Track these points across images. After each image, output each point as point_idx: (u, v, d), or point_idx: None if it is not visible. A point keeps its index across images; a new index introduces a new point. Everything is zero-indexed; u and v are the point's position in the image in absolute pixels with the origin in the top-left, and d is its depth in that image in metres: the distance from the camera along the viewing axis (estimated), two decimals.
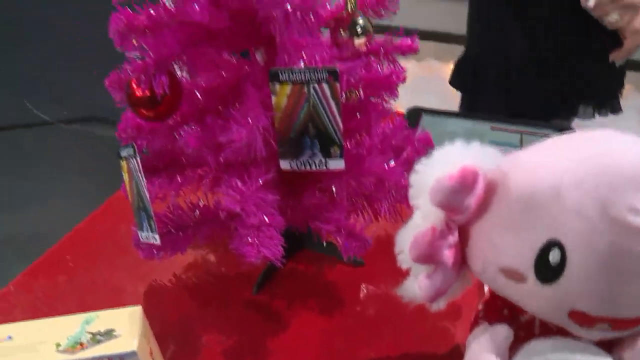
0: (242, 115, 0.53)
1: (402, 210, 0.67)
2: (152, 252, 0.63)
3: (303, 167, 0.57)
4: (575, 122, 1.42)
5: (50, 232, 2.06)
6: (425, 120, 0.98)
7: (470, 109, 1.31)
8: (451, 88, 1.35)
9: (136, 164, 0.57)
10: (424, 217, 0.46)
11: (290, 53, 0.53)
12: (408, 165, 0.66)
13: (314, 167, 0.57)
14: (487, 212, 0.46)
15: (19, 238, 2.02)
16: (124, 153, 0.59)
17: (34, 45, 2.89)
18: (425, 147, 0.69)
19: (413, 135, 0.67)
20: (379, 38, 0.59)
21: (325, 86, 0.53)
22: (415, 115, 0.98)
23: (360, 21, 0.57)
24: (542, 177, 0.44)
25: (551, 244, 0.44)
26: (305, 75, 0.52)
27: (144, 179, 0.56)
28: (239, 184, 0.55)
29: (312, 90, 0.53)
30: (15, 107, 2.73)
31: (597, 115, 1.39)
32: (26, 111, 2.70)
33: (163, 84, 0.51)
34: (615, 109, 1.38)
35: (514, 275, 0.46)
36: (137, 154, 0.56)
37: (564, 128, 0.97)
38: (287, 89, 0.53)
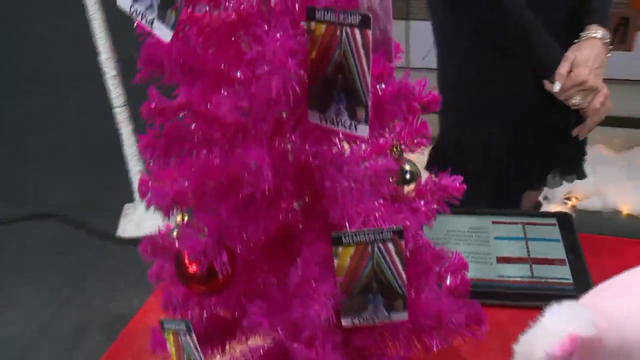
0: (307, 283, 0.50)
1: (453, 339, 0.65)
2: None
3: (365, 322, 0.55)
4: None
5: (13, 337, 1.91)
6: None
7: None
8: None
9: (191, 342, 0.53)
10: None
11: (348, 212, 0.52)
12: (452, 294, 0.65)
13: (376, 321, 0.55)
14: None
15: None
16: (171, 326, 0.55)
17: None
18: (462, 270, 0.68)
19: (451, 261, 0.66)
20: (426, 181, 0.58)
21: (390, 245, 0.51)
22: None
23: (408, 167, 0.56)
24: (630, 333, 0.45)
25: None
26: (369, 237, 0.51)
27: (202, 357, 0.53)
28: (309, 351, 0.52)
29: (376, 250, 0.52)
30: None
31: (564, 182, 1.46)
32: None
33: (225, 264, 0.48)
34: (580, 174, 1.44)
35: None
36: (192, 331, 0.52)
37: (563, 217, 1.00)
38: (351, 250, 0.52)
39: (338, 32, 0.45)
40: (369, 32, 0.44)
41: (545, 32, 1.15)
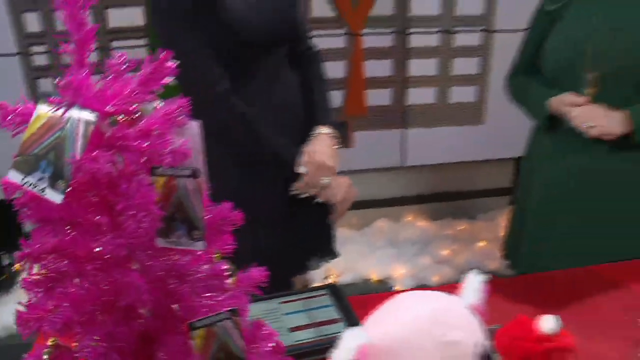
0: None
1: None
2: None
3: None
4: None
5: None
6: None
7: None
8: None
9: None
10: None
11: (195, 306, 0.72)
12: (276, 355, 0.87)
13: None
14: None
15: None
16: None
17: None
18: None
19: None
20: (241, 275, 0.80)
21: (229, 322, 0.72)
22: None
23: (228, 266, 0.78)
24: (393, 341, 0.72)
25: None
26: (214, 319, 0.71)
27: None
28: None
29: (220, 328, 0.72)
30: None
31: (324, 264, 1.78)
32: None
33: None
34: (334, 254, 1.78)
35: None
36: None
37: (332, 287, 1.28)
38: (203, 332, 0.71)
39: (175, 182, 0.67)
40: (199, 180, 0.67)
41: (282, 136, 1.47)
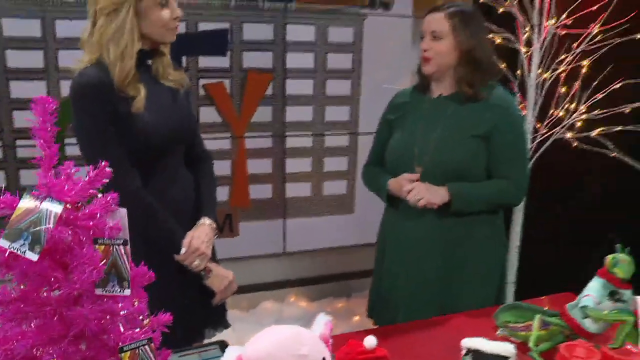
0: None
1: None
2: None
3: None
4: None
5: None
6: None
7: None
8: None
9: None
10: None
11: (122, 337, 1.03)
12: None
13: None
14: None
15: None
16: None
17: None
18: None
19: None
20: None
21: (146, 347, 1.04)
22: None
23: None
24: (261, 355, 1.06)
25: None
26: (136, 345, 1.02)
27: None
28: None
29: (141, 351, 1.03)
30: None
31: (217, 333, 2.07)
32: None
33: None
34: (226, 325, 2.08)
35: None
36: None
37: (221, 343, 1.59)
38: (129, 354, 1.02)
39: (111, 248, 1.00)
40: (127, 247, 1.00)
41: (179, 223, 1.81)
